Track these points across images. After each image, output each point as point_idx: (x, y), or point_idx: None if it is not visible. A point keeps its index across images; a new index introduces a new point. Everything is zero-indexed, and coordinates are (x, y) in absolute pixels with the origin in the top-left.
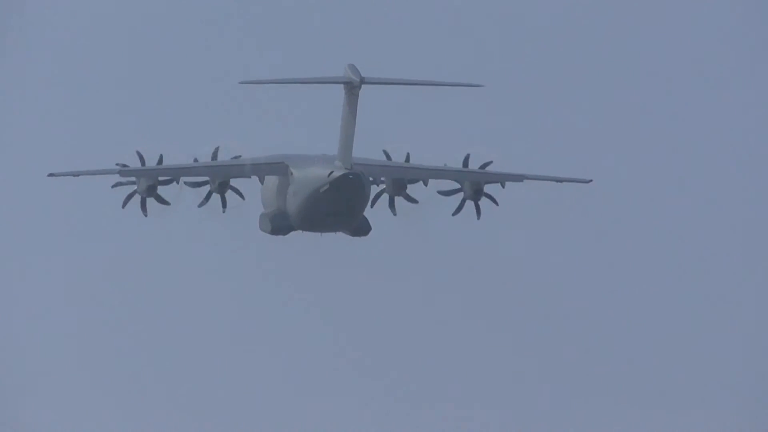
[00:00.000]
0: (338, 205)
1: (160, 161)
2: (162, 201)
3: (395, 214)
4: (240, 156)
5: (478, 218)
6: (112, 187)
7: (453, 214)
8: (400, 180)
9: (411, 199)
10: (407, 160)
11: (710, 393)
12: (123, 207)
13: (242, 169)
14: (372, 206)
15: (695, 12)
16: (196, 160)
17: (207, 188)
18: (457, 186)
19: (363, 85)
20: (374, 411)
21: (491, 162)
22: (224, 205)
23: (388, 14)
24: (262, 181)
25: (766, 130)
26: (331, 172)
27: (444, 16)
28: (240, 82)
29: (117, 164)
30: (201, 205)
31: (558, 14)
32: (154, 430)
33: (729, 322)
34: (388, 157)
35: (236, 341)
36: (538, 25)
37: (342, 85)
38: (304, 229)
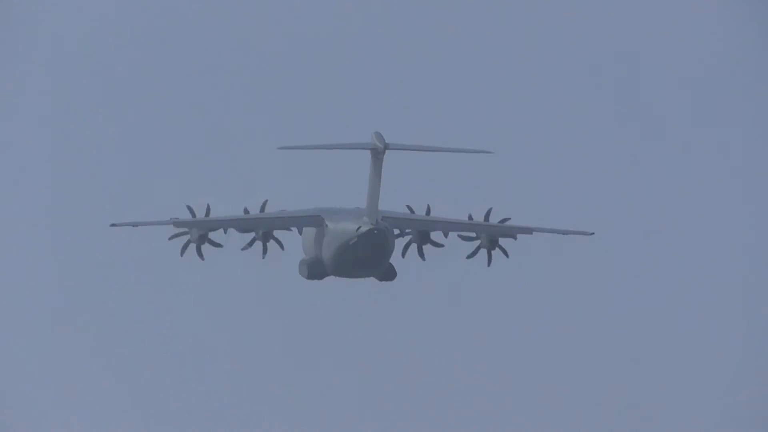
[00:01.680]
0: (366, 255)
1: (208, 213)
2: (215, 244)
3: (424, 260)
4: (284, 210)
5: (489, 265)
6: (169, 239)
7: (467, 258)
8: (425, 231)
9: (437, 245)
10: (428, 213)
11: None
12: (181, 255)
13: (284, 221)
14: (403, 257)
15: (691, 68)
16: (247, 212)
17: (252, 234)
18: (474, 244)
19: (387, 151)
20: None
21: (509, 219)
22: (264, 252)
23: (415, 85)
24: (300, 232)
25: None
26: (359, 227)
27: (458, 87)
28: (278, 148)
29: (187, 205)
30: (244, 248)
31: (555, 81)
32: None
33: (728, 369)
34: (412, 211)
35: (272, 374)
36: (542, 93)
37: (369, 151)
38: (337, 274)
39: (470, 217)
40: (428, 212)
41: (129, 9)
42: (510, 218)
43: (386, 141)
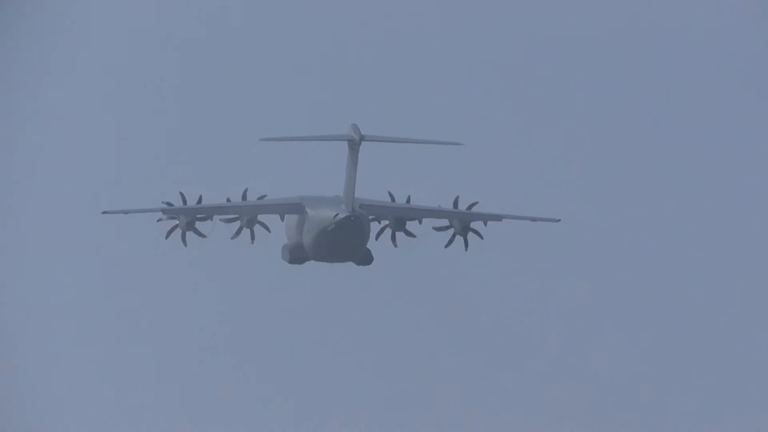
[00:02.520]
0: (343, 240)
1: (200, 201)
2: (200, 234)
3: (396, 246)
4: (266, 196)
5: (466, 250)
6: (157, 221)
7: (445, 247)
8: (400, 218)
9: (410, 234)
10: (408, 201)
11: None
12: (166, 238)
13: (267, 208)
14: (376, 239)
15: (653, 57)
16: (228, 200)
17: (238, 223)
18: (448, 223)
19: (363, 142)
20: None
21: (477, 202)
22: (253, 237)
23: (394, 79)
24: (282, 219)
25: (724, 171)
26: (336, 215)
27: (434, 82)
28: (260, 139)
29: (163, 202)
30: (233, 237)
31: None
32: None
33: (682, 355)
34: (392, 198)
35: (255, 353)
36: (512, 87)
37: (346, 142)
38: (317, 259)
39: (456, 203)
40: (408, 201)
41: (117, 6)
42: (478, 202)
43: (362, 133)
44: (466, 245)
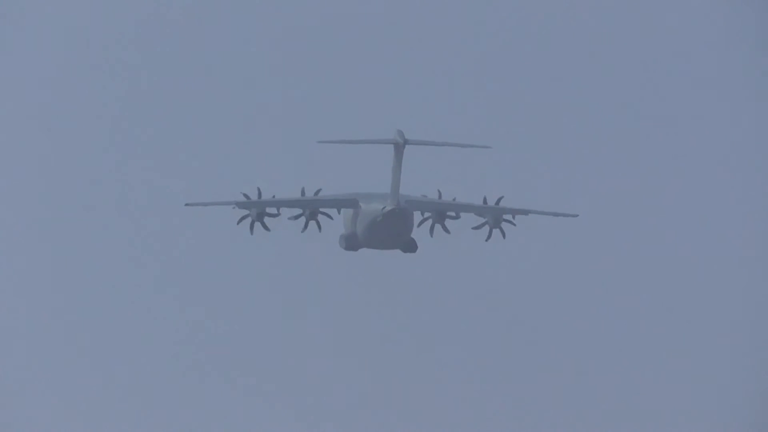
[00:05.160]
0: (390, 230)
1: (259, 195)
2: (265, 227)
3: (432, 236)
4: (321, 190)
5: (504, 238)
6: (232, 208)
7: (486, 240)
8: (441, 213)
9: (446, 230)
10: (454, 200)
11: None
12: (237, 224)
13: (326, 203)
14: (418, 226)
15: (672, 59)
16: (303, 194)
17: (303, 218)
18: (483, 220)
19: (407, 145)
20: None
21: (503, 196)
22: (319, 227)
23: (433, 90)
24: (339, 212)
25: (744, 170)
26: (384, 207)
27: (468, 93)
28: (318, 141)
29: (241, 193)
30: (303, 231)
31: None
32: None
33: (707, 339)
34: (440, 195)
35: (314, 323)
36: (538, 93)
37: (392, 145)
38: (368, 246)
39: (485, 201)
40: (454, 200)
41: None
42: (503, 196)
43: (406, 137)
44: (504, 234)
